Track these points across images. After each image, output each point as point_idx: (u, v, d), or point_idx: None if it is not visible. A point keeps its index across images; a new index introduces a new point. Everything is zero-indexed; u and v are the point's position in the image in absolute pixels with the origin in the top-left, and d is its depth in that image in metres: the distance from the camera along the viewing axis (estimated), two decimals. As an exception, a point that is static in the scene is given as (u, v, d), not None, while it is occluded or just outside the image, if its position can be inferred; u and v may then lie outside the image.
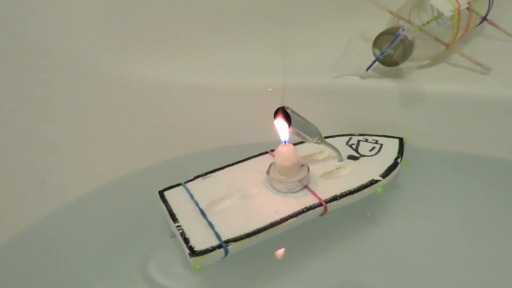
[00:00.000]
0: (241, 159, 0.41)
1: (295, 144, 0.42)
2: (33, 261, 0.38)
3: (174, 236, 0.34)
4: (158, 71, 0.51)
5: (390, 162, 0.40)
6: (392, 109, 0.47)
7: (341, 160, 0.41)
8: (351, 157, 0.41)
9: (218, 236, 0.32)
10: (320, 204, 0.35)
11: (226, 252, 0.31)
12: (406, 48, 0.44)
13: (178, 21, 0.54)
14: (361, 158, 0.41)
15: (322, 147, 0.41)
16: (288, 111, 0.34)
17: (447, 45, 0.47)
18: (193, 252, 0.30)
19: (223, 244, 0.31)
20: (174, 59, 0.53)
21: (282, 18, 0.59)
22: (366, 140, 0.44)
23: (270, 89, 0.49)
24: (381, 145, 0.43)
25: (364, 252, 0.38)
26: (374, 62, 0.45)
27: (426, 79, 0.46)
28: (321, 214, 0.35)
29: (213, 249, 0.31)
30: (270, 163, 0.38)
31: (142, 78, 0.50)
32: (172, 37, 0.54)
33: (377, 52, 0.45)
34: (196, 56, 0.54)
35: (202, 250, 0.30)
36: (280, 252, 0.39)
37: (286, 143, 0.36)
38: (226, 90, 0.50)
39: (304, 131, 0.36)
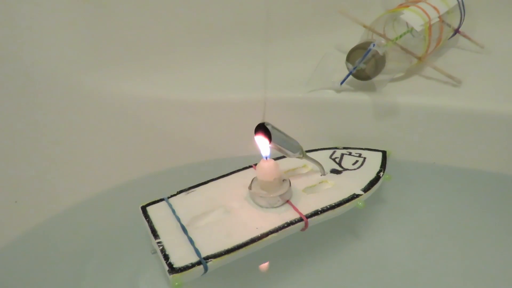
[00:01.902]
0: (225, 172, 0.42)
1: (278, 158, 0.43)
2: (7, 282, 0.38)
3: (155, 252, 0.34)
4: (138, 87, 0.51)
5: (372, 176, 0.41)
6: (367, 122, 0.47)
7: (323, 174, 0.41)
8: (334, 171, 0.42)
9: (198, 252, 0.32)
10: (301, 219, 0.35)
11: (206, 269, 0.31)
12: (378, 63, 0.45)
13: (155, 38, 0.54)
14: (344, 172, 0.41)
15: (305, 161, 0.42)
16: (268, 127, 0.34)
17: (419, 58, 0.48)
18: (172, 269, 0.30)
19: (203, 261, 0.31)
20: (153, 76, 0.53)
21: (259, 33, 0.60)
22: (350, 154, 0.45)
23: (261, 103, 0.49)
24: (364, 158, 0.44)
25: (348, 265, 0.38)
26: (347, 76, 0.46)
27: (399, 92, 0.47)
28: (302, 229, 0.36)
29: (193, 265, 0.31)
30: (253, 177, 0.38)
31: (122, 94, 0.50)
32: (150, 54, 0.54)
33: (350, 66, 0.46)
34: (175, 72, 0.54)
35: (182, 267, 0.31)
36: (264, 266, 0.39)
37: (267, 158, 0.36)
38: (205, 105, 0.50)
39: (285, 146, 0.36)
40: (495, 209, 0.42)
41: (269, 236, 0.33)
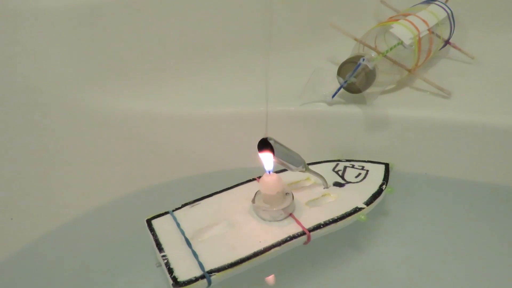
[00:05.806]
0: (226, 185, 0.42)
1: (282, 171, 0.43)
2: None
3: (160, 265, 0.35)
4: (133, 102, 0.51)
5: (375, 189, 0.41)
6: (359, 135, 0.48)
7: (326, 187, 0.41)
8: (336, 184, 0.42)
9: (201, 266, 0.32)
10: (303, 233, 0.35)
11: (209, 283, 0.31)
12: (368, 76, 0.45)
13: (149, 54, 0.55)
14: (347, 185, 0.42)
15: (308, 173, 0.42)
16: (271, 142, 0.35)
17: (409, 71, 0.49)
18: (176, 283, 0.31)
19: (206, 275, 0.31)
20: (148, 90, 0.53)
21: (252, 47, 0.60)
22: (353, 166, 0.45)
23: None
24: (367, 171, 0.44)
25: (350, 278, 0.38)
26: (338, 90, 0.47)
27: (390, 104, 0.48)
28: (305, 243, 0.36)
29: (196, 279, 0.31)
30: (256, 190, 0.39)
31: (118, 110, 0.51)
32: (144, 69, 0.55)
33: (341, 80, 0.46)
34: (169, 87, 0.54)
35: (185, 281, 0.31)
36: (267, 279, 0.39)
37: (270, 172, 0.36)
38: (200, 119, 0.50)
39: (288, 160, 0.37)
40: (491, 219, 0.43)
41: (272, 250, 0.34)
